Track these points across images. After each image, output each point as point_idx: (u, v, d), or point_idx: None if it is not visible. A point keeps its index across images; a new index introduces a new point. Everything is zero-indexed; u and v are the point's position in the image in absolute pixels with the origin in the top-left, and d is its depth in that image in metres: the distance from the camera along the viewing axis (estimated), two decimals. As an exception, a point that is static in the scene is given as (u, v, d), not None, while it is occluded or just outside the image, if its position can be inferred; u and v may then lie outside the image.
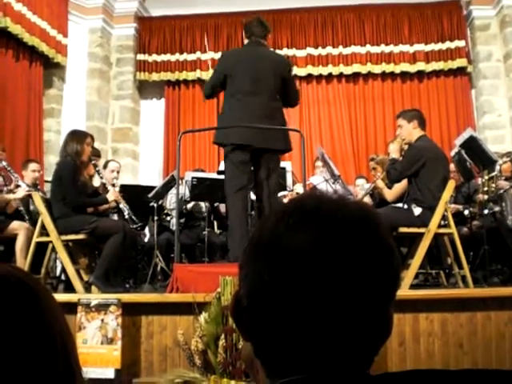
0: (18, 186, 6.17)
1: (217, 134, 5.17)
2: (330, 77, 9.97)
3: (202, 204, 7.23)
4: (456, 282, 5.37)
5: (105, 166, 6.96)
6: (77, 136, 5.54)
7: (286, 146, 5.10)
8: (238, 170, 4.94)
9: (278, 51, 9.43)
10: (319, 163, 7.43)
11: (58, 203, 5.32)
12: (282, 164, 6.41)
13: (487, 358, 4.21)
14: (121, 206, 6.02)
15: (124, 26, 10.11)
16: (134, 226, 6.07)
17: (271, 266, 0.78)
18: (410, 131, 5.35)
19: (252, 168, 5.05)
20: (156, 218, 6.60)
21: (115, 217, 6.36)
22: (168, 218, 7.19)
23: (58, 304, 0.85)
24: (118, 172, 7.00)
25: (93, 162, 5.87)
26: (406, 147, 5.45)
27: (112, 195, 5.70)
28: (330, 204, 0.81)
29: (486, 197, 5.99)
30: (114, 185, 6.35)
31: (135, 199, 6.42)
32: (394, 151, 5.56)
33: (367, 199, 6.48)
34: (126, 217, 6.00)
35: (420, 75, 9.89)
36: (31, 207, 6.20)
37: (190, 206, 7.18)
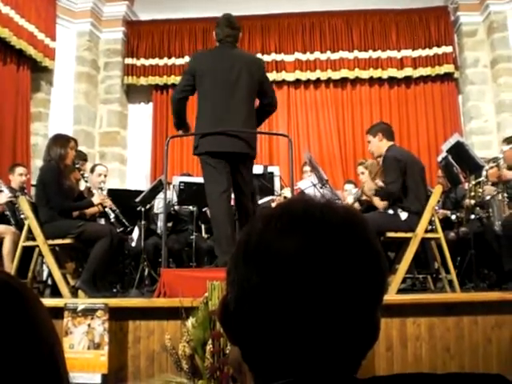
0: (0, 192, 6.15)
1: (195, 145, 4.99)
2: (317, 82, 9.99)
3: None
4: (443, 286, 5.40)
5: (92, 170, 6.94)
6: (60, 140, 5.52)
7: (251, 151, 5.00)
8: (217, 174, 4.84)
9: (266, 56, 9.49)
10: (307, 168, 7.45)
11: (44, 207, 5.30)
12: (270, 169, 6.41)
13: (474, 361, 4.23)
14: (106, 209, 6.00)
15: (112, 30, 10.08)
16: (121, 229, 6.06)
17: (259, 270, 0.77)
18: (377, 145, 5.45)
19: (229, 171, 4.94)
20: (143, 222, 6.58)
21: (102, 221, 6.34)
22: (158, 223, 7.16)
23: (46, 308, 0.84)
24: (105, 176, 6.98)
25: (77, 165, 5.83)
26: (380, 160, 5.50)
27: (98, 198, 5.68)
28: (317, 208, 0.81)
29: (472, 202, 6.02)
30: (101, 188, 6.33)
31: (122, 204, 6.40)
32: (368, 180, 5.62)
33: (355, 205, 6.49)
34: (112, 220, 5.98)
35: (407, 81, 9.94)
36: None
37: (177, 207, 7.16)
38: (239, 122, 4.86)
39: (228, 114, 4.85)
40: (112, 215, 6.01)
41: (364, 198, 6.14)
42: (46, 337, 0.79)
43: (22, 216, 5.71)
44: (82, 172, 6.00)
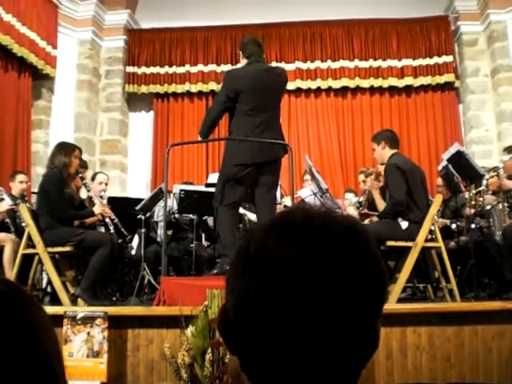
0: (1, 200, 6.15)
1: (232, 156, 5.15)
2: (318, 91, 10.01)
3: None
4: (443, 295, 5.39)
5: (93, 179, 6.94)
6: (65, 148, 5.52)
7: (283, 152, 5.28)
8: (235, 186, 5.05)
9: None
10: (308, 176, 7.45)
11: (45, 215, 5.29)
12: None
13: (474, 371, 4.21)
14: (107, 220, 6.00)
15: (113, 38, 10.11)
16: (121, 240, 6.06)
17: (258, 279, 0.77)
18: (381, 153, 5.48)
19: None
20: (143, 230, 6.57)
21: (102, 229, 6.34)
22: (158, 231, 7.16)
23: (48, 318, 0.84)
24: (106, 184, 6.99)
25: (80, 174, 5.84)
26: (382, 167, 5.51)
27: (99, 208, 5.67)
28: (317, 217, 0.80)
29: (472, 211, 6.02)
30: (101, 197, 6.33)
31: (123, 211, 6.40)
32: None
33: (355, 213, 6.48)
34: (112, 231, 5.98)
35: (408, 90, 9.95)
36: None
37: (178, 215, 7.15)
38: (271, 132, 5.12)
39: (266, 126, 5.09)
40: (112, 227, 6.01)
41: (364, 211, 6.14)
42: (46, 346, 0.78)
43: (24, 224, 5.72)
44: (84, 182, 6.00)
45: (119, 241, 6.05)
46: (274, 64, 9.64)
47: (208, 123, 5.34)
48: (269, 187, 5.18)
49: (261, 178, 5.12)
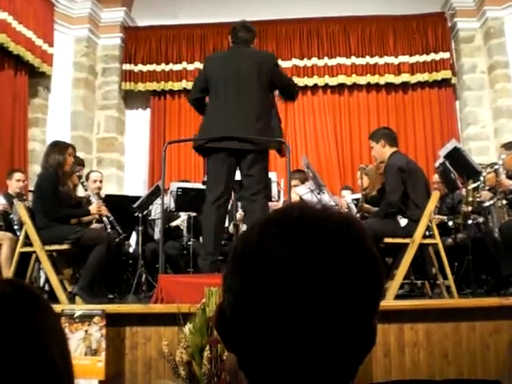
0: None
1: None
2: (315, 88, 10.00)
3: (183, 216, 7.19)
4: (441, 292, 5.39)
5: (86, 178, 6.93)
6: (58, 147, 5.53)
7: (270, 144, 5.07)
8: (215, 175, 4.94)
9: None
10: (295, 181, 7.42)
11: (41, 214, 5.29)
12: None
13: (472, 367, 4.22)
14: (104, 219, 5.99)
15: (110, 36, 10.09)
16: (117, 240, 6.06)
17: (255, 276, 0.77)
18: (380, 151, 5.46)
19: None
20: (141, 228, 6.57)
21: (99, 226, 6.33)
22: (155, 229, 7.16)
23: (56, 319, 0.84)
24: (100, 182, 6.99)
25: (77, 173, 5.84)
26: (382, 166, 5.50)
27: (95, 208, 5.67)
28: (313, 214, 0.80)
29: (469, 208, 6.02)
30: (98, 194, 6.33)
31: (120, 209, 6.40)
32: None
33: (354, 209, 6.48)
34: (109, 230, 5.97)
35: (405, 87, 9.95)
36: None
37: (174, 224, 7.15)
38: (248, 120, 4.88)
39: (235, 113, 4.88)
40: (109, 226, 6.01)
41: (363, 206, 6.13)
42: (50, 349, 0.78)
43: (16, 227, 5.75)
44: (82, 180, 6.01)
45: (117, 239, 6.06)
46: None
47: (191, 105, 5.35)
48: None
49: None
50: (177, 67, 10.02)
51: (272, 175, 6.62)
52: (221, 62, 5.07)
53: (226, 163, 4.88)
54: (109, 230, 5.97)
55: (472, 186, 5.87)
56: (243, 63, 5.01)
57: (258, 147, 4.90)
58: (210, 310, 3.83)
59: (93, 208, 5.66)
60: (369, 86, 9.96)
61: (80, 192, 6.51)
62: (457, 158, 5.78)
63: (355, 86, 9.97)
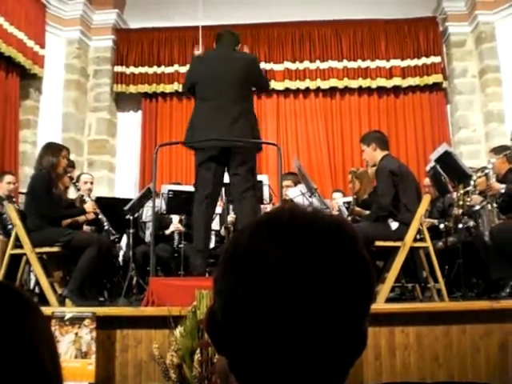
0: None
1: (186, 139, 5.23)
2: (307, 91, 10.02)
3: (174, 219, 7.17)
4: (431, 295, 5.40)
5: (77, 180, 6.90)
6: (52, 149, 5.51)
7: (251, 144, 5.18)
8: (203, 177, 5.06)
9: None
10: (287, 182, 7.41)
11: (33, 216, 5.27)
12: (259, 177, 6.41)
13: (463, 370, 4.23)
14: (100, 216, 5.98)
15: (102, 38, 10.07)
16: (112, 238, 6.04)
17: (245, 279, 0.77)
18: (371, 154, 5.47)
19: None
20: (132, 230, 6.55)
21: (90, 229, 6.32)
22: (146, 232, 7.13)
23: (45, 321, 0.84)
24: (91, 183, 6.98)
25: (69, 174, 5.82)
26: (373, 169, 5.51)
27: (90, 206, 5.67)
28: (304, 217, 0.80)
29: (460, 211, 6.04)
30: (89, 196, 6.31)
31: (111, 212, 6.37)
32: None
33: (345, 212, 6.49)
34: (106, 227, 5.96)
35: (396, 90, 9.98)
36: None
37: (168, 231, 7.12)
38: (228, 122, 4.98)
39: (221, 113, 4.99)
40: (106, 225, 6.00)
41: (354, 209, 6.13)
42: (39, 351, 0.78)
43: (10, 226, 5.70)
44: (74, 181, 5.99)
45: (112, 239, 6.06)
46: (262, 64, 9.64)
47: (187, 93, 5.54)
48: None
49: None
50: (169, 69, 10.01)
51: (264, 178, 6.63)
52: (207, 63, 5.19)
53: (213, 165, 5.00)
54: (106, 228, 5.95)
55: (463, 190, 5.89)
56: (228, 65, 5.12)
57: (244, 146, 5.05)
58: (200, 312, 3.82)
59: (88, 206, 5.65)
60: (360, 90, 9.98)
61: (71, 194, 6.48)
62: (448, 161, 5.80)
63: (347, 90, 9.99)
